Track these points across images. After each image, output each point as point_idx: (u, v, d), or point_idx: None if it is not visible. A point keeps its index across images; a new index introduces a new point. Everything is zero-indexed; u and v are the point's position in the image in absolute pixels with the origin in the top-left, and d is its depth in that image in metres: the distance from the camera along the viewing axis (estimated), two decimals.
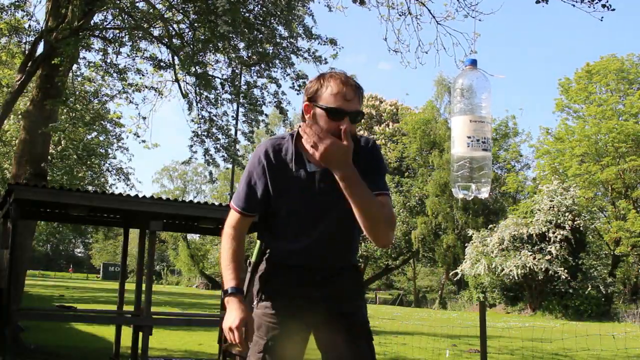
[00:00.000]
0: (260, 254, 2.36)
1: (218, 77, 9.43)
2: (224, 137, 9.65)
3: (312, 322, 2.29)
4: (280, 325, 2.25)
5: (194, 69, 8.34)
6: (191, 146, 9.47)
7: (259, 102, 9.34)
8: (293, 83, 9.16)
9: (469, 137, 2.02)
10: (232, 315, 2.18)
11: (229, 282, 2.24)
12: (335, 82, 2.12)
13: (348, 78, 2.16)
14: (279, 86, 9.30)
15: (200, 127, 9.50)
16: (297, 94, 9.24)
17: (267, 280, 2.30)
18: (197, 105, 9.53)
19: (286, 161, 2.22)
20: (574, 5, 7.24)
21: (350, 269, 2.37)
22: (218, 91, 9.46)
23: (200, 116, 9.53)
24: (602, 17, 7.21)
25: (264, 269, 2.32)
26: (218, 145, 9.57)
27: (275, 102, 9.41)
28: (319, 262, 2.28)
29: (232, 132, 10.16)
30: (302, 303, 2.26)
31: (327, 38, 8.97)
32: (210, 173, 10.39)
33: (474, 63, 2.12)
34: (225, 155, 9.61)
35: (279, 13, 8.57)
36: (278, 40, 8.90)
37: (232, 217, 2.34)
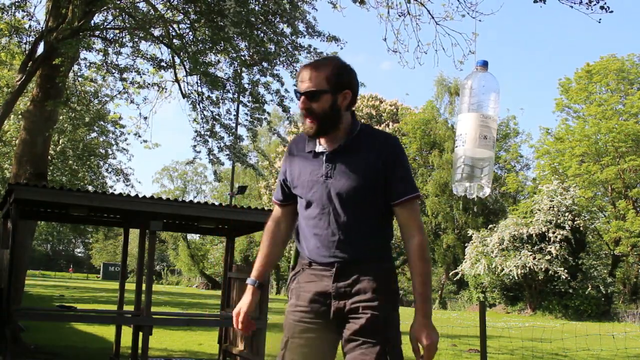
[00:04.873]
0: (296, 257, 2.45)
1: (221, 77, 9.39)
2: (228, 135, 9.58)
3: (334, 321, 2.26)
4: (301, 323, 2.28)
5: (200, 69, 8.30)
6: (194, 146, 9.40)
7: (261, 101, 9.27)
8: (296, 81, 9.07)
9: (481, 136, 2.03)
10: (239, 303, 2.41)
11: (252, 272, 2.44)
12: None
13: (308, 63, 2.36)
14: (282, 84, 9.25)
15: (203, 127, 9.45)
16: None
17: (293, 280, 2.37)
18: (199, 105, 9.49)
19: (303, 146, 2.35)
20: (572, 7, 7.23)
21: (373, 264, 2.28)
22: (220, 92, 9.42)
23: (202, 116, 9.49)
24: (600, 19, 7.20)
25: (294, 269, 2.41)
26: (222, 145, 9.51)
27: (277, 99, 9.34)
28: (335, 258, 2.25)
29: (237, 130, 10.12)
30: (323, 301, 2.25)
31: (329, 35, 8.92)
32: (215, 172, 10.32)
33: (485, 64, 2.14)
34: (230, 154, 9.54)
35: (281, 11, 8.53)
36: (279, 38, 8.85)
37: (274, 209, 2.51)
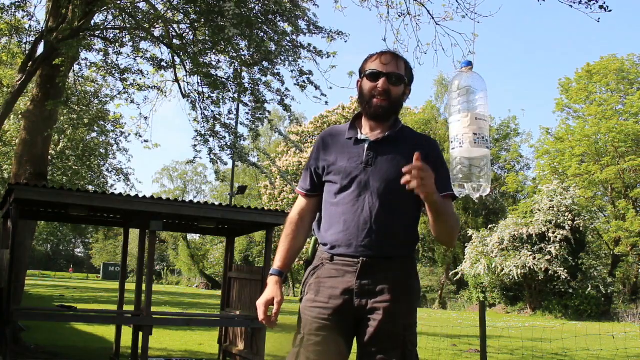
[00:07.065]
0: (313, 251, 2.35)
1: (222, 77, 9.38)
2: (229, 135, 9.55)
3: (353, 319, 2.21)
4: (319, 320, 2.20)
5: (202, 71, 8.29)
6: (195, 146, 9.38)
7: (262, 100, 9.24)
8: (297, 80, 9.03)
9: (475, 135, 2.04)
10: (263, 294, 2.29)
11: (274, 263, 2.37)
12: (376, 54, 2.34)
13: (388, 50, 2.37)
14: (282, 83, 9.22)
15: (204, 126, 9.43)
16: (302, 90, 9.12)
17: (311, 274, 2.29)
18: (199, 105, 9.48)
19: (340, 135, 2.36)
20: (571, 6, 7.24)
21: (398, 262, 2.23)
22: (221, 92, 9.40)
23: (202, 115, 9.47)
24: (599, 19, 7.21)
25: (312, 262, 2.32)
26: (223, 144, 9.48)
27: (278, 99, 9.30)
28: (363, 250, 2.19)
29: (238, 129, 10.09)
30: (344, 297, 2.19)
31: (331, 31, 8.88)
32: (217, 172, 10.28)
33: (469, 64, 2.17)
34: (232, 153, 9.50)
35: (282, 10, 8.52)
36: (280, 37, 8.83)
37: (297, 200, 2.47)
